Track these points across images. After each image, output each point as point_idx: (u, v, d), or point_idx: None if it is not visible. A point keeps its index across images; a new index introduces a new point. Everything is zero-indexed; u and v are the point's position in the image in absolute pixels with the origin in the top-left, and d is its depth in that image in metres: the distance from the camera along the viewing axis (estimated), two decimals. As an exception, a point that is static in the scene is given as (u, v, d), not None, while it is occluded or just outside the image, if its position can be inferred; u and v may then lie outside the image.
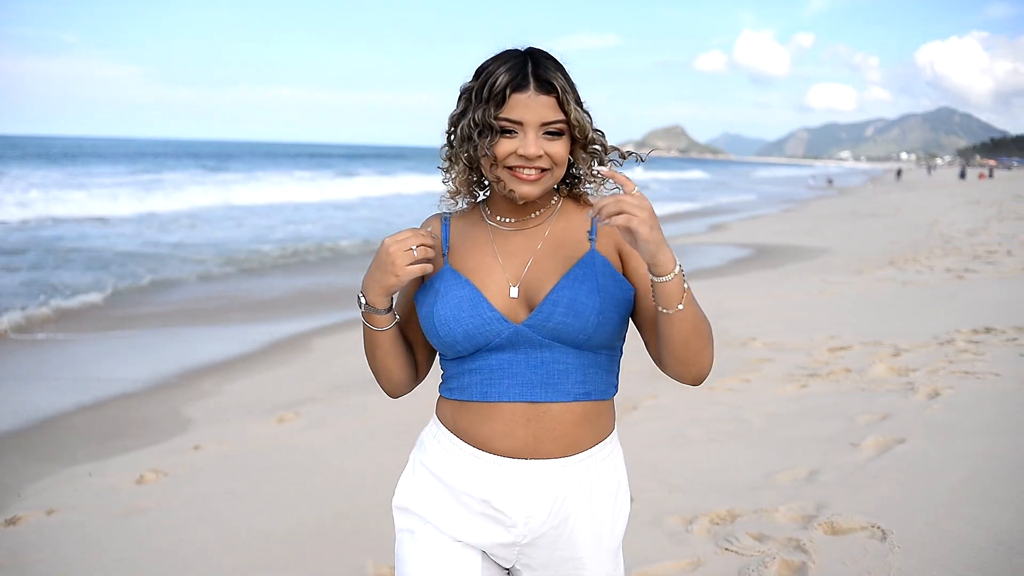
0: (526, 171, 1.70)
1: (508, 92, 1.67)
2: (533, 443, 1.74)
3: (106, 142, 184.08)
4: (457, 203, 1.87)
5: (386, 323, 1.79)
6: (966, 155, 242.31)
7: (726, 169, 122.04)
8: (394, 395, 1.92)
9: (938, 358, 6.09)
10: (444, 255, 1.83)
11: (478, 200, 1.88)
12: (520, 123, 1.68)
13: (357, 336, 8.71)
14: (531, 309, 1.74)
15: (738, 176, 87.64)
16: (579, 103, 1.73)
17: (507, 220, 1.83)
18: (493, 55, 1.73)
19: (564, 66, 1.74)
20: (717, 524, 3.63)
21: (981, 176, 64.74)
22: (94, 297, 11.45)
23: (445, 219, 1.88)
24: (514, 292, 1.75)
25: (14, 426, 6.08)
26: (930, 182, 60.41)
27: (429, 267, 1.74)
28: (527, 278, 1.76)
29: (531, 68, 1.69)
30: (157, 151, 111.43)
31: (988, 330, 6.88)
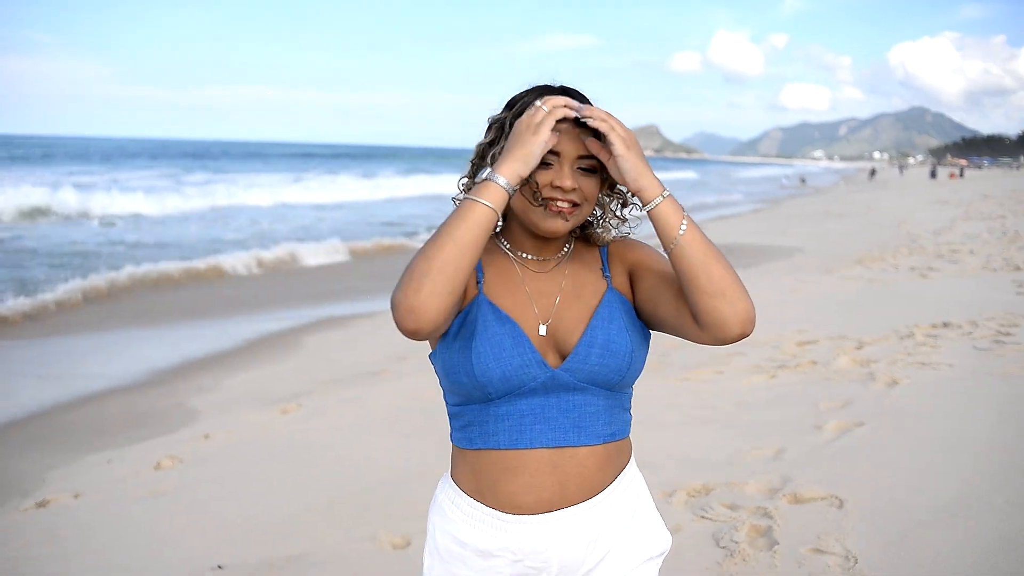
0: (559, 203, 1.66)
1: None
2: (560, 491, 1.69)
3: (78, 141, 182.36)
4: None
5: (500, 202, 1.57)
6: (938, 154, 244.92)
7: (705, 168, 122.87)
8: (427, 305, 1.51)
9: (898, 351, 6.54)
10: (479, 284, 1.73)
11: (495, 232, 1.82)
12: (558, 154, 1.65)
13: (345, 334, 9.18)
14: (558, 350, 1.70)
15: (718, 176, 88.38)
16: None
17: (530, 257, 1.78)
18: (525, 89, 1.74)
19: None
20: (693, 496, 4.05)
21: (951, 176, 65.66)
22: (74, 296, 11.77)
23: None
24: (543, 330, 1.70)
25: (21, 417, 6.43)
26: (902, 182, 61.29)
27: (559, 134, 1.63)
28: (555, 318, 1.71)
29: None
30: (137, 150, 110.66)
31: (946, 325, 7.35)
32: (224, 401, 6.78)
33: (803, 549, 3.39)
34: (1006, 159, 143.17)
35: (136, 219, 24.52)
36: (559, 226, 1.67)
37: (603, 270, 1.78)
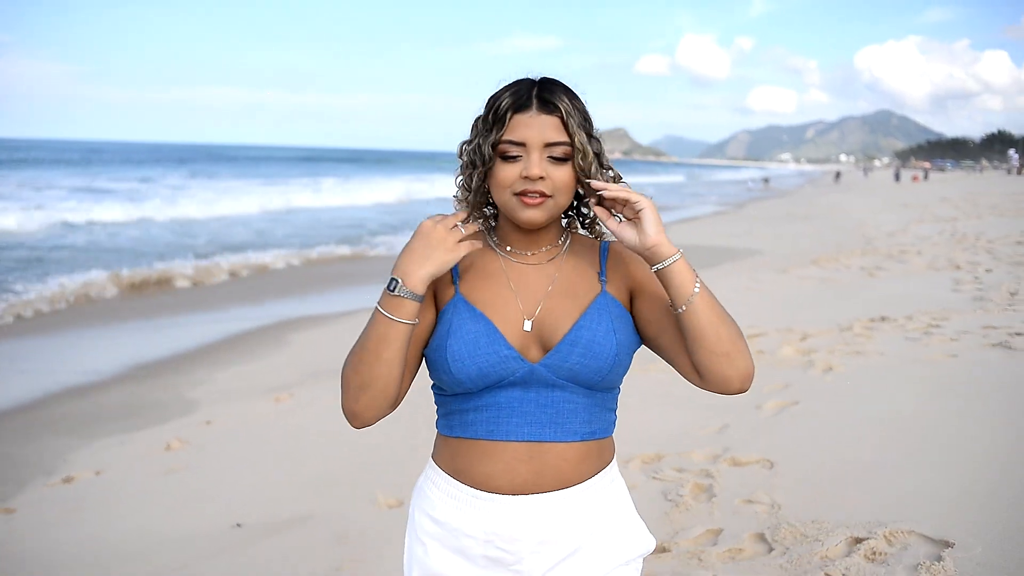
0: (529, 195, 1.66)
1: (511, 113, 1.67)
2: (534, 479, 1.71)
3: (45, 144, 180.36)
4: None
5: (413, 315, 1.63)
6: (903, 157, 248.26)
7: (675, 172, 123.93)
8: (367, 415, 1.70)
9: (837, 341, 7.21)
10: (455, 283, 1.76)
11: (485, 228, 1.82)
12: (523, 144, 1.66)
13: (327, 332, 9.74)
14: (543, 346, 1.71)
15: (692, 180, 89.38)
16: (588, 132, 1.71)
17: (518, 252, 1.78)
18: (505, 84, 1.73)
19: (579, 96, 1.73)
20: (647, 463, 4.67)
21: (915, 178, 66.85)
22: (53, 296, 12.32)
23: None
24: (527, 326, 1.71)
25: (27, 406, 6.96)
26: (866, 184, 62.54)
27: (479, 244, 1.68)
28: (541, 314, 1.72)
29: (536, 91, 1.69)
30: (112, 155, 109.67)
31: (883, 319, 8.03)
32: (220, 392, 7.32)
33: (737, 501, 4.02)
34: (969, 162, 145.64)
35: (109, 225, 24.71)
36: (535, 216, 1.68)
37: (600, 273, 1.78)
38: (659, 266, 1.62)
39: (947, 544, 3.37)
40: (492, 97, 1.71)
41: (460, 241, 1.65)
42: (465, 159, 1.75)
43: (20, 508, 4.82)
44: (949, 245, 14.92)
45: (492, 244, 1.80)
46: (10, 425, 6.50)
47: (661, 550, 3.61)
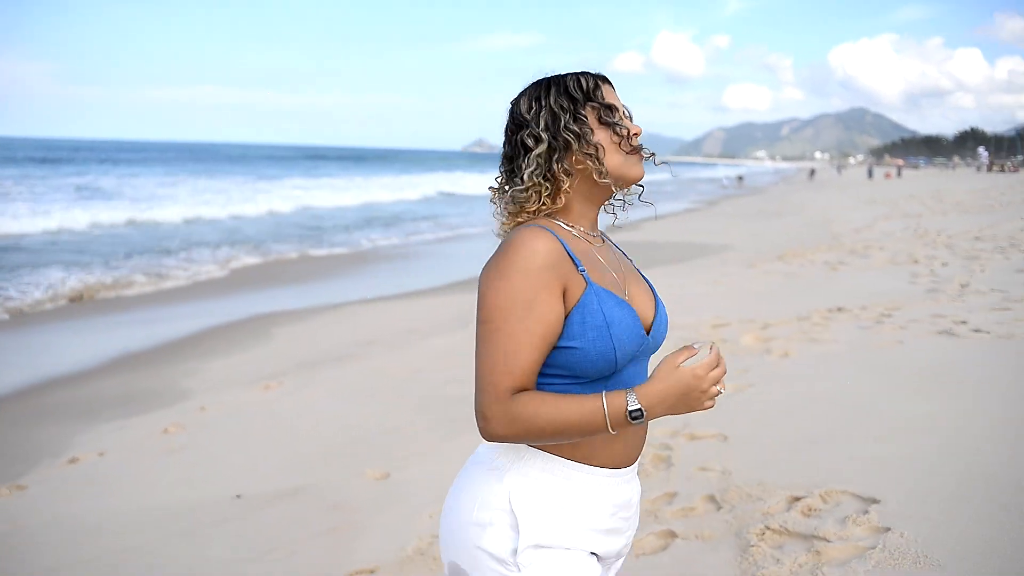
0: (642, 150, 1.80)
1: (601, 83, 1.80)
2: (635, 450, 1.83)
3: (18, 143, 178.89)
4: (535, 215, 1.79)
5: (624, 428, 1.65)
6: (878, 154, 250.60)
7: (662, 170, 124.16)
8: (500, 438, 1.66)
9: (795, 330, 7.67)
10: (583, 272, 1.72)
11: (548, 212, 1.81)
12: (616, 108, 1.78)
13: (308, 326, 10.12)
14: (644, 321, 1.80)
15: (673, 178, 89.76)
16: None
17: (590, 234, 1.84)
18: (564, 73, 1.82)
19: None
20: (613, 438, 5.10)
21: (887, 176, 67.69)
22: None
23: (551, 233, 1.72)
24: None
25: (25, 393, 7.32)
26: (839, 181, 63.39)
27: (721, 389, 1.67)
28: (631, 291, 1.82)
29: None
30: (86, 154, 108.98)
31: (840, 309, 8.50)
32: (211, 382, 7.69)
33: (692, 468, 4.46)
34: (941, 159, 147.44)
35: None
36: (643, 171, 1.83)
37: (626, 255, 1.97)
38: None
39: (874, 500, 3.83)
40: (555, 85, 1.78)
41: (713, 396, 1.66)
42: (544, 144, 1.74)
43: (31, 485, 5.18)
44: (911, 241, 15.45)
45: (567, 227, 1.80)
46: (10, 411, 6.87)
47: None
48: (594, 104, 1.76)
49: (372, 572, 3.71)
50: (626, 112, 1.82)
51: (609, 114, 1.76)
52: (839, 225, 20.75)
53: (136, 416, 6.62)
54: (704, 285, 11.21)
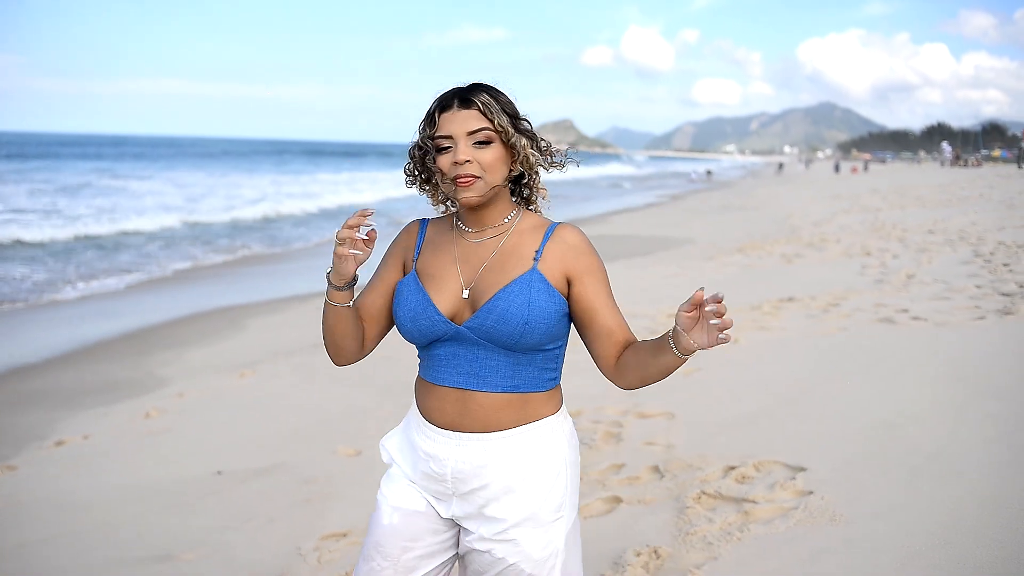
0: (462, 178, 1.95)
1: (438, 114, 1.98)
2: (458, 419, 2.03)
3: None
4: (443, 209, 2.16)
5: (343, 300, 2.04)
6: (845, 149, 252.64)
7: (631, 164, 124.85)
8: (338, 363, 2.16)
9: (746, 319, 8.09)
10: (415, 258, 2.12)
11: (456, 210, 2.14)
12: (450, 136, 1.96)
13: (283, 317, 10.44)
14: (474, 310, 2.01)
15: (645, 170, 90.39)
16: (514, 116, 2.02)
17: (469, 229, 2.08)
18: (440, 93, 2.04)
19: (504, 94, 2.03)
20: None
21: (854, 170, 68.15)
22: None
23: (423, 223, 2.18)
24: (466, 294, 2.02)
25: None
26: (806, 176, 64.18)
27: (360, 254, 1.98)
28: (477, 284, 2.02)
29: (458, 92, 1.99)
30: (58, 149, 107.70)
31: (791, 299, 8.94)
32: (188, 370, 7.99)
33: (639, 443, 4.86)
34: (908, 154, 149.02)
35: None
36: (470, 195, 1.98)
37: (536, 252, 2.03)
38: (681, 355, 1.84)
39: (801, 469, 4.24)
40: (434, 101, 2.01)
41: (347, 253, 1.97)
42: (417, 152, 2.06)
43: (21, 466, 5.47)
44: (867, 234, 15.92)
45: (453, 223, 2.13)
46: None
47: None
48: (430, 135, 2.01)
49: (345, 535, 4.07)
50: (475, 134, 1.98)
51: (434, 149, 2.01)
52: (799, 219, 21.21)
53: (117, 403, 6.91)
54: (662, 277, 11.63)
